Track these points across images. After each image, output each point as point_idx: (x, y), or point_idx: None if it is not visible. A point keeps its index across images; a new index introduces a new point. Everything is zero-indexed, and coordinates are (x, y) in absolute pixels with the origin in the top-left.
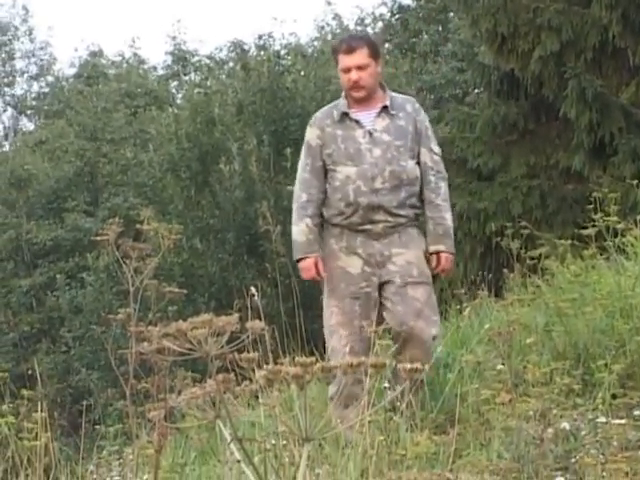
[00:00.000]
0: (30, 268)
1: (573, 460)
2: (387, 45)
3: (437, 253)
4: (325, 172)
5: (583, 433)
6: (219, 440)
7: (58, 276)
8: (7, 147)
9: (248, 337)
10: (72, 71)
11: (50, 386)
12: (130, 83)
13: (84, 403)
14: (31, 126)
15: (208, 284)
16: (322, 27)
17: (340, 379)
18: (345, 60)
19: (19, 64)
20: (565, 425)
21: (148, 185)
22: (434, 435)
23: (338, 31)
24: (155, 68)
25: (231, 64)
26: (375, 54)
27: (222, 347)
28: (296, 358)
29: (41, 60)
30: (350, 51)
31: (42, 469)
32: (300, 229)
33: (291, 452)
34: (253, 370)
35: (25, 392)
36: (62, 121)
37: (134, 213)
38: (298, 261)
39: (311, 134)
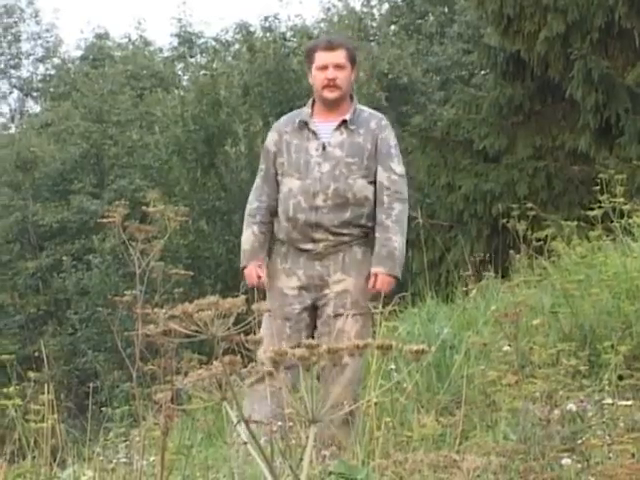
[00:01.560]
0: (36, 250)
1: (579, 441)
2: (393, 27)
3: (375, 274)
4: (277, 181)
5: (589, 414)
6: (226, 422)
7: (64, 258)
8: (13, 129)
9: (254, 319)
10: (78, 53)
11: (57, 368)
12: (136, 65)
13: (90, 385)
14: (37, 108)
15: (214, 266)
16: (328, 9)
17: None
18: (323, 56)
19: (25, 46)
20: (571, 406)
21: (154, 167)
22: (440, 417)
23: (344, 12)
24: (161, 50)
25: (237, 46)
26: (352, 59)
27: (228, 329)
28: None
29: (47, 42)
30: (330, 48)
31: (49, 451)
32: (246, 237)
33: (297, 434)
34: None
35: (32, 374)
36: (68, 103)
37: (140, 195)
38: (243, 269)
39: (270, 139)
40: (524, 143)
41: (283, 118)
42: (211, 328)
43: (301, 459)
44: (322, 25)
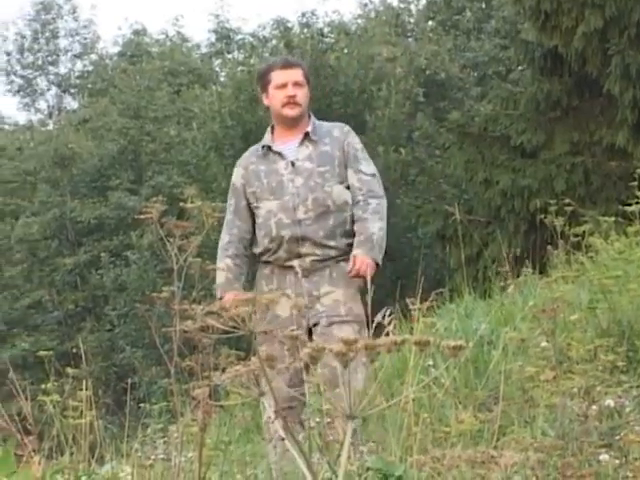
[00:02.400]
0: (74, 246)
1: (617, 437)
2: (430, 22)
3: (354, 257)
4: (251, 212)
5: (627, 410)
6: (263, 418)
7: (102, 254)
8: (51, 126)
9: (292, 315)
10: (116, 49)
11: (95, 364)
12: (173, 61)
13: (129, 381)
14: (75, 105)
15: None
16: (365, 4)
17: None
18: (282, 75)
19: (63, 42)
20: (609, 402)
21: (192, 163)
22: (478, 413)
23: (381, 8)
24: (198, 46)
25: (274, 42)
26: (308, 78)
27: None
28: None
29: (85, 38)
30: (288, 66)
31: (87, 447)
32: (220, 270)
33: (335, 430)
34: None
35: (70, 370)
36: (106, 99)
37: (178, 191)
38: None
39: (236, 175)
40: (561, 139)
41: (245, 153)
42: (248, 324)
43: (339, 455)
44: (359, 21)
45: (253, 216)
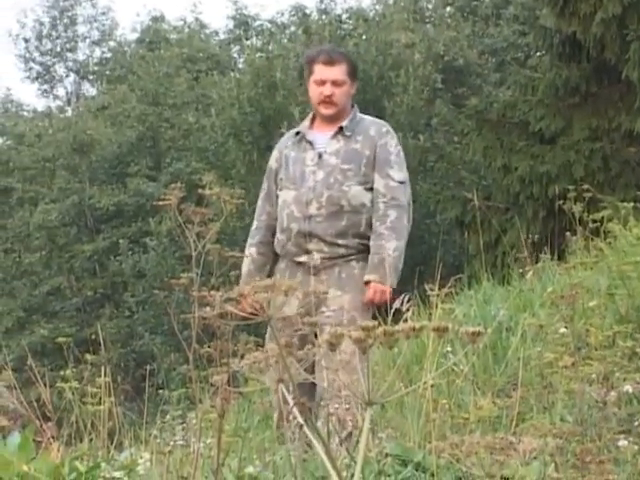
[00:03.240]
0: (93, 233)
1: (636, 423)
2: (448, 8)
3: (367, 283)
4: (277, 197)
5: None
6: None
7: (121, 241)
8: (70, 112)
9: (311, 301)
10: (134, 36)
11: (113, 351)
12: (192, 48)
13: (147, 367)
14: (93, 91)
15: None
16: None
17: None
18: (322, 71)
19: (81, 29)
20: (628, 388)
21: (210, 150)
22: (497, 399)
23: None
24: (217, 33)
25: (293, 28)
26: (353, 73)
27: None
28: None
29: (103, 25)
30: (330, 63)
31: (106, 433)
32: (245, 259)
33: (354, 416)
34: (315, 334)
35: (89, 357)
36: (124, 86)
37: (196, 178)
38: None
39: (273, 157)
40: (580, 125)
41: (285, 135)
42: (267, 310)
43: (357, 441)
44: (378, 7)
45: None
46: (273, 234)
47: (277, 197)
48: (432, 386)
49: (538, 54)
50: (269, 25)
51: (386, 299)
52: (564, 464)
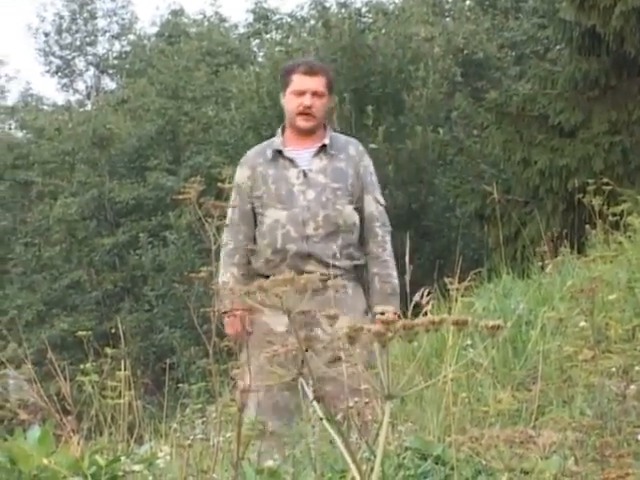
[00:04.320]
0: (113, 227)
1: None
2: (468, 2)
3: (382, 313)
4: (254, 217)
5: None
6: (302, 398)
7: (141, 235)
8: (89, 106)
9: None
10: (153, 30)
11: (133, 344)
12: (211, 42)
13: (167, 361)
14: (113, 85)
15: None
16: None
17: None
18: (302, 81)
19: (101, 23)
20: None
21: (229, 143)
22: (516, 392)
23: None
24: (236, 26)
25: (312, 22)
26: (331, 87)
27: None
28: (378, 315)
29: (123, 19)
30: (310, 73)
31: (126, 427)
32: (224, 279)
33: (373, 410)
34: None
35: (108, 350)
36: (144, 80)
37: (216, 171)
38: (223, 313)
39: (241, 174)
40: (600, 118)
41: (251, 151)
42: (287, 304)
43: (377, 435)
44: (397, 1)
45: (256, 223)
46: (248, 256)
47: (256, 216)
48: (452, 379)
49: (558, 47)
50: (289, 19)
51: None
52: (584, 458)
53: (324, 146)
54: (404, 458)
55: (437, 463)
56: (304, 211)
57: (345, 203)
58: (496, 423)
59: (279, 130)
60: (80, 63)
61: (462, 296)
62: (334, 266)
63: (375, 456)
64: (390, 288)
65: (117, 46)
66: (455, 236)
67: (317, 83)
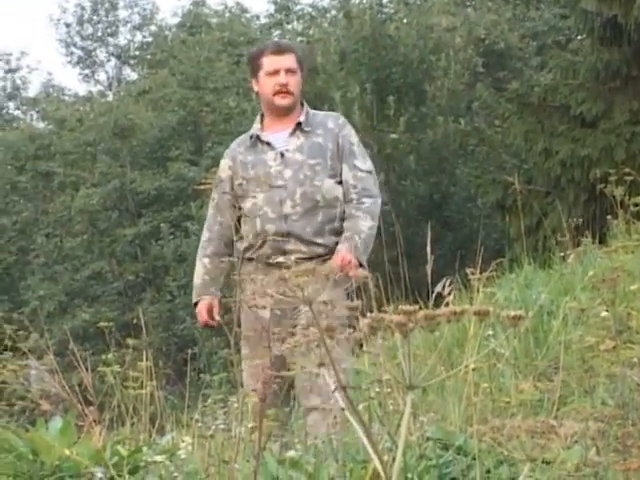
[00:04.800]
0: (134, 217)
1: None
2: None
3: (337, 254)
4: (235, 206)
5: None
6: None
7: (162, 225)
8: (111, 97)
9: (352, 285)
10: (175, 20)
11: (155, 335)
12: (232, 32)
13: (189, 352)
14: (134, 76)
15: None
16: None
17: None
18: (274, 61)
19: (122, 14)
20: None
21: None
22: (538, 382)
23: None
24: (258, 17)
25: (333, 12)
26: (301, 64)
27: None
28: (400, 306)
29: (144, 10)
30: (280, 52)
31: (148, 418)
32: (197, 270)
33: (395, 400)
34: (357, 318)
35: (130, 341)
36: (165, 70)
37: None
38: (195, 305)
39: (222, 167)
40: (621, 108)
41: (232, 144)
42: (308, 294)
43: (399, 425)
44: None
45: (238, 210)
46: (226, 244)
47: (236, 207)
48: (473, 370)
49: (579, 37)
50: (310, 9)
51: (353, 271)
52: (605, 448)
53: (299, 124)
54: (426, 448)
55: (459, 453)
56: (281, 190)
57: (325, 178)
58: (518, 413)
59: (257, 117)
60: (101, 54)
61: (483, 286)
62: (317, 244)
63: (397, 446)
64: (350, 232)
65: (138, 37)
66: (476, 226)
67: (288, 60)
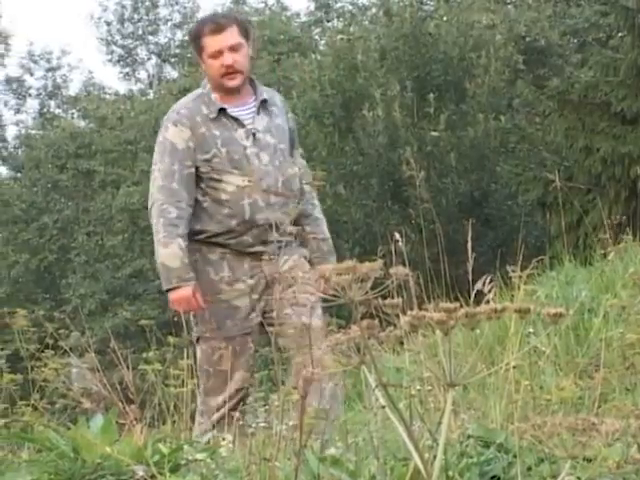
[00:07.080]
0: None
1: None
2: None
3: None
4: (198, 181)
5: None
6: (364, 386)
7: None
8: (151, 95)
9: (392, 283)
10: None
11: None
12: (273, 30)
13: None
14: (175, 74)
15: (352, 230)
16: None
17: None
18: (214, 41)
19: (163, 12)
20: None
21: None
22: (579, 380)
23: None
24: (298, 15)
25: (374, 10)
26: (246, 34)
27: (366, 293)
28: (440, 304)
29: (184, 8)
30: (219, 30)
31: (189, 415)
32: (172, 252)
33: (436, 397)
34: (397, 316)
35: (171, 339)
36: None
37: None
38: (169, 290)
39: (178, 134)
40: None
41: (183, 109)
42: (349, 292)
43: (439, 423)
44: None
45: (201, 188)
46: (188, 224)
47: (202, 181)
48: (514, 367)
49: (619, 35)
50: (350, 7)
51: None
52: None
53: (265, 101)
54: (466, 446)
55: (500, 451)
56: (267, 177)
57: (294, 165)
58: (559, 411)
59: (205, 82)
60: (142, 52)
61: (524, 284)
62: (289, 233)
63: (437, 444)
64: (326, 246)
65: (179, 35)
66: (517, 224)
67: (230, 37)
